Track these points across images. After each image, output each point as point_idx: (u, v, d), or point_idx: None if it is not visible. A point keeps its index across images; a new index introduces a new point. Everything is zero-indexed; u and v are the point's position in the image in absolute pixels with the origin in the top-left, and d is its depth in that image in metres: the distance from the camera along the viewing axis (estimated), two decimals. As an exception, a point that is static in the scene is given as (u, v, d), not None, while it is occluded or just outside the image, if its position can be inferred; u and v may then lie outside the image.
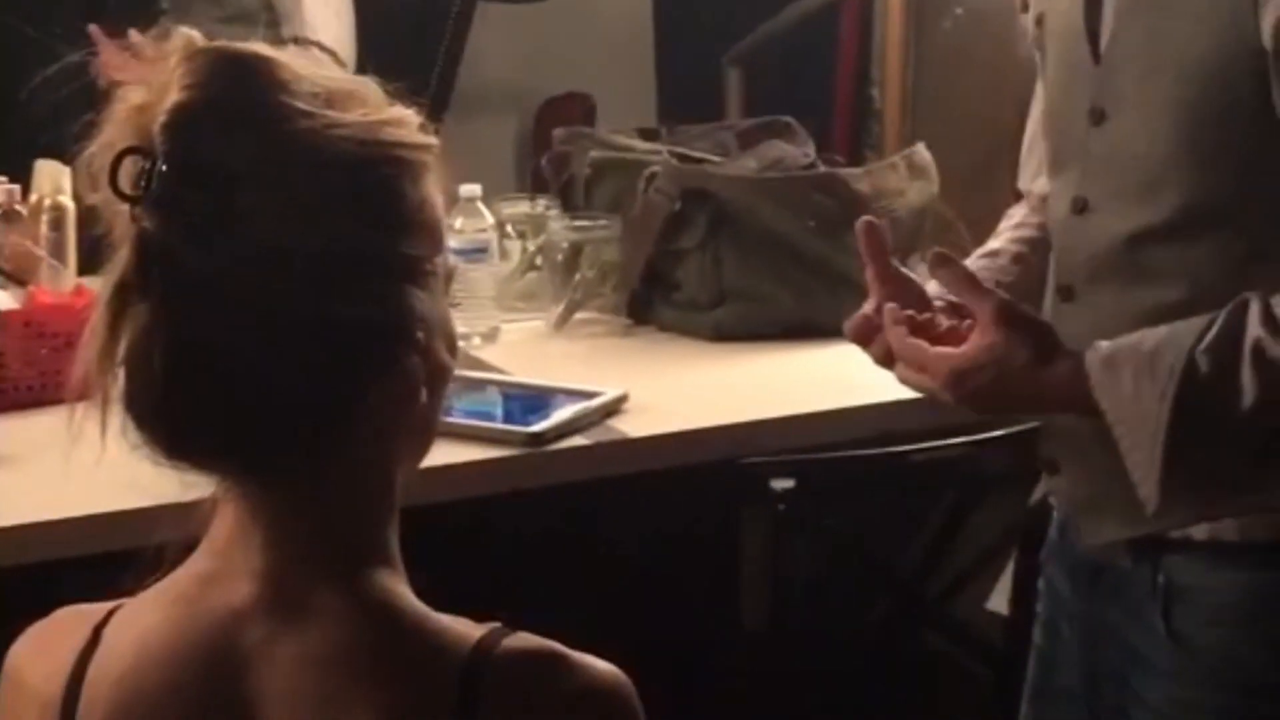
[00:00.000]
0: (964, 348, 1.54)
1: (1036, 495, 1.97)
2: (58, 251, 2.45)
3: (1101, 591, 1.70)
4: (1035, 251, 1.79)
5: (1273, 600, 1.56)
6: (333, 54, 3.46)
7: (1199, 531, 1.58)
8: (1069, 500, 1.72)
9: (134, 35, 3.46)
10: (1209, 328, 1.47)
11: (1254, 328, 1.45)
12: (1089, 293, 1.62)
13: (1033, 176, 1.87)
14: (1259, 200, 1.51)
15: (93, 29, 3.46)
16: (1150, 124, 1.55)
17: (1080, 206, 1.63)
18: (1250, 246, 1.51)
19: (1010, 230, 1.85)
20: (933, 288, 1.64)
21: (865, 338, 1.62)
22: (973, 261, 1.80)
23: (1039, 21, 1.72)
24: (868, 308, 1.62)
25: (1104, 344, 1.52)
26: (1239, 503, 1.56)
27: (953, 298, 1.60)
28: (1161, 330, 1.49)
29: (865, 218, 1.65)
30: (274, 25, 3.51)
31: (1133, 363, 1.48)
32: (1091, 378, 1.50)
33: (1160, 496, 1.49)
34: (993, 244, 1.85)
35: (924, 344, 1.57)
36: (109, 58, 3.43)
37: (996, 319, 1.53)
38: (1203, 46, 1.50)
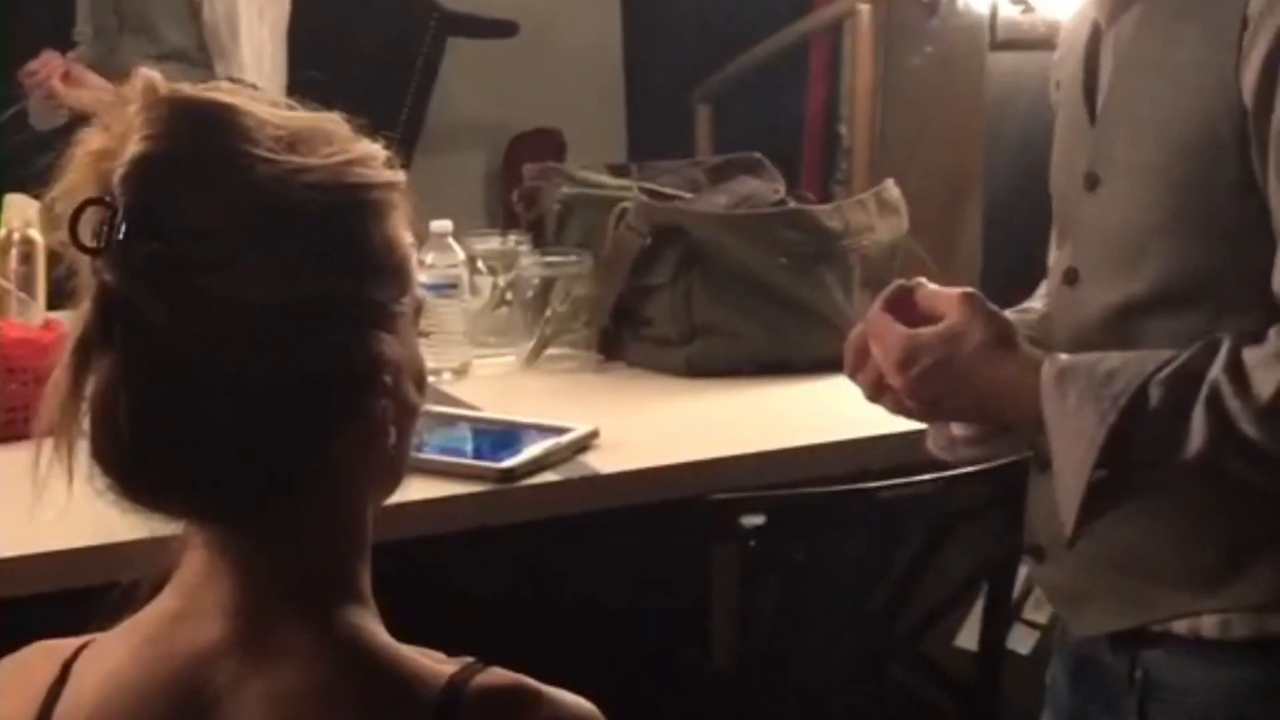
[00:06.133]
0: (922, 329, 1.53)
1: (1020, 583, 1.93)
2: (27, 286, 2.44)
3: (1084, 685, 1.66)
4: None
5: (1249, 700, 1.52)
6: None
7: (1179, 626, 1.53)
8: (1053, 590, 1.68)
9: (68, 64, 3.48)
10: (1171, 360, 1.43)
11: (1216, 369, 1.41)
12: None
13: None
14: (1242, 278, 1.46)
15: (25, 69, 3.47)
16: (1136, 191, 1.52)
17: (1071, 277, 1.60)
18: (1237, 326, 1.45)
19: (1044, 295, 1.78)
20: None
21: (858, 363, 1.60)
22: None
23: (1057, 86, 1.70)
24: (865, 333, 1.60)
25: (1064, 356, 1.50)
26: (1177, 599, 1.53)
27: None
28: (1126, 355, 1.47)
29: (900, 283, 1.61)
30: (208, 64, 3.53)
31: (1084, 380, 1.46)
32: (1042, 383, 1.47)
33: (1078, 526, 1.46)
34: (1028, 303, 1.80)
35: (891, 320, 1.55)
36: (57, 87, 3.44)
37: (962, 304, 1.52)
38: (1188, 111, 1.47)
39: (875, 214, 2.78)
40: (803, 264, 2.66)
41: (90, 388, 1.02)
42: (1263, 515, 1.49)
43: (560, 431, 2.25)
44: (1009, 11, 4.10)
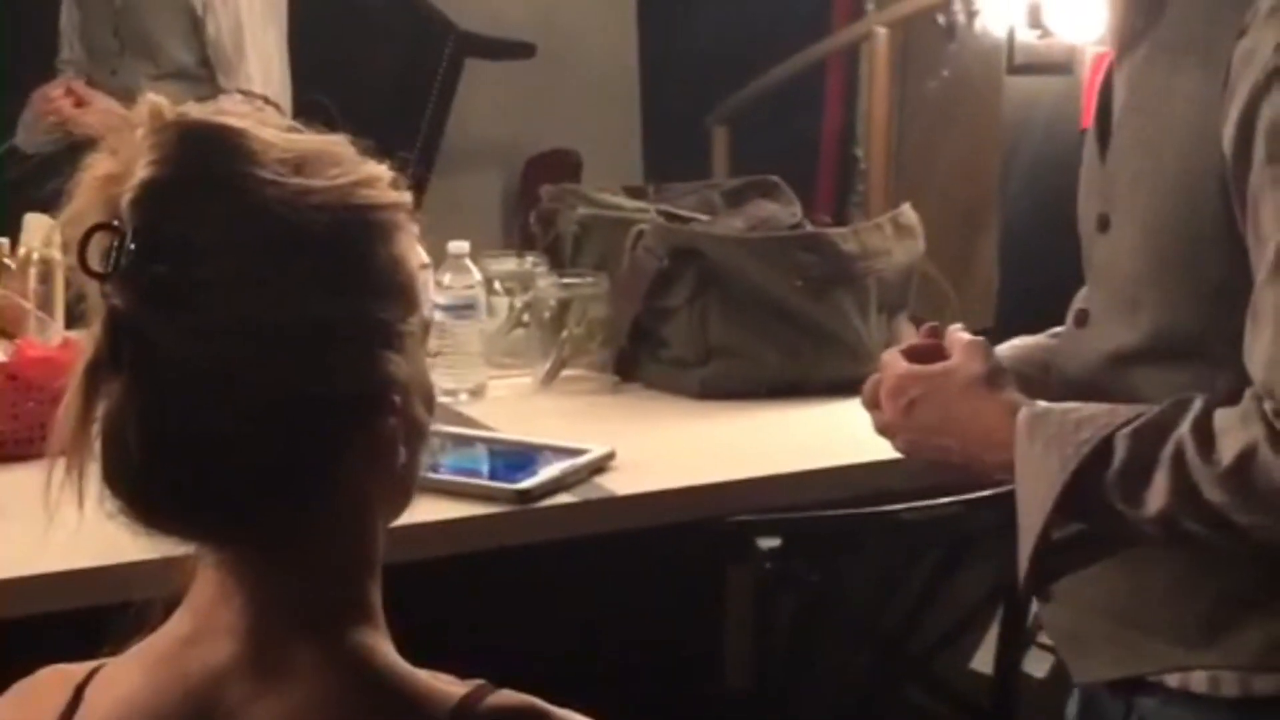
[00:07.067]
0: (923, 366, 1.56)
1: (1031, 620, 1.93)
2: (45, 305, 2.45)
3: None
4: None
5: None
6: (275, 105, 3.48)
7: (1172, 679, 1.54)
8: (1056, 631, 1.68)
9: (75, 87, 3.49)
10: (1142, 414, 1.42)
11: (1184, 427, 1.39)
12: None
13: None
14: (1232, 335, 1.42)
15: (40, 93, 3.48)
16: (1134, 238, 1.51)
17: (1081, 319, 1.60)
18: (1227, 384, 1.42)
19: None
20: None
21: (873, 401, 1.64)
22: (1041, 338, 1.77)
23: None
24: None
25: (1042, 403, 1.51)
26: (1158, 649, 1.53)
27: None
28: (1099, 405, 1.47)
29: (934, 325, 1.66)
30: (210, 80, 3.53)
31: (1055, 426, 1.46)
32: (1017, 427, 1.48)
33: (1032, 568, 1.46)
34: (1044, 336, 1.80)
35: (899, 354, 1.59)
36: (65, 110, 3.45)
37: (963, 344, 1.55)
38: (1178, 157, 1.45)
39: (891, 237, 2.78)
40: (819, 287, 2.66)
41: (100, 410, 1.02)
42: (1249, 573, 1.48)
43: (577, 453, 2.25)
44: (1026, 36, 4.10)
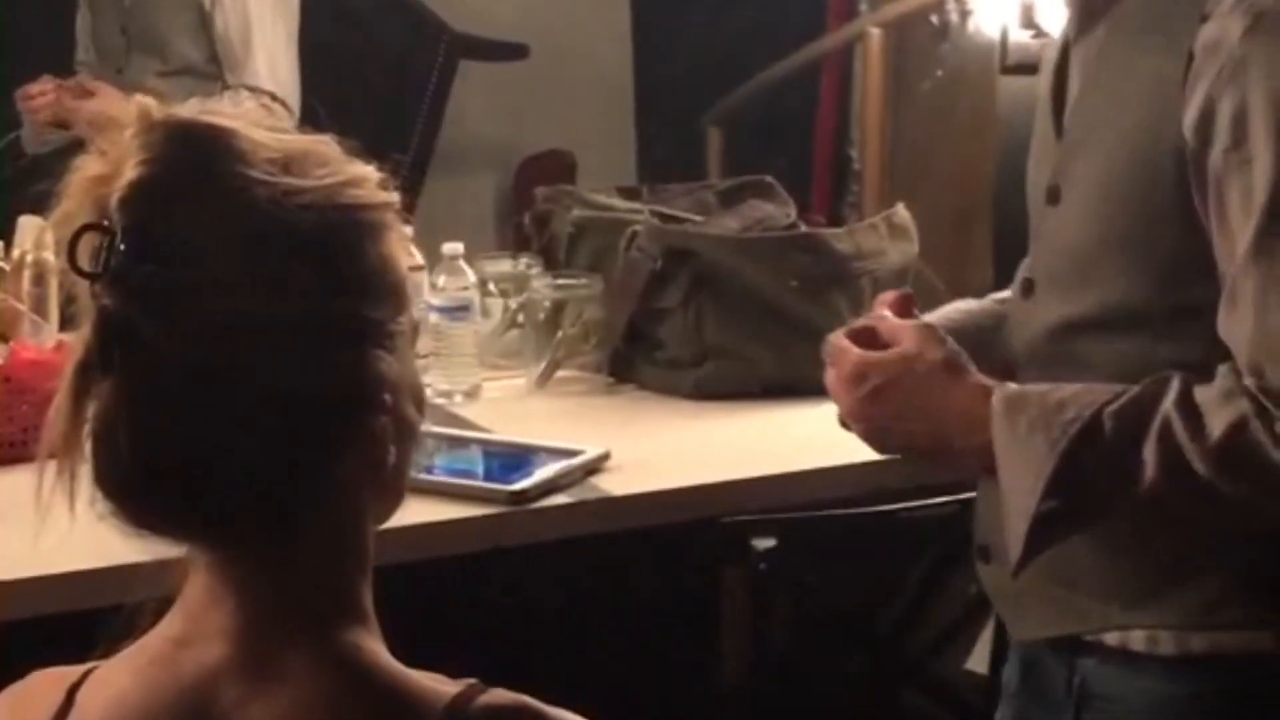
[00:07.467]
0: (879, 351, 1.56)
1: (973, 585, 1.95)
2: (39, 307, 2.45)
3: (1030, 688, 1.70)
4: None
5: (1175, 714, 1.55)
6: (282, 102, 3.47)
7: (1111, 638, 1.57)
8: (995, 591, 1.71)
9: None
10: (1122, 393, 1.45)
11: (1168, 404, 1.42)
12: (1026, 377, 1.60)
13: None
14: (1178, 309, 1.49)
15: (22, 93, 3.48)
16: (1086, 208, 1.55)
17: (1028, 288, 1.63)
18: (1171, 356, 1.48)
19: (997, 297, 1.82)
20: None
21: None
22: (950, 311, 1.79)
23: (1040, 94, 1.72)
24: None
25: (1014, 385, 1.52)
26: (1105, 611, 1.56)
27: None
28: (1076, 385, 1.48)
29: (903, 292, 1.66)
30: (218, 77, 3.52)
31: (1036, 408, 1.47)
32: (993, 411, 1.50)
33: (1025, 556, 1.48)
34: (981, 301, 1.83)
35: (849, 343, 1.59)
36: (46, 104, 3.45)
37: (916, 330, 1.56)
38: (1135, 134, 1.49)
39: (886, 238, 2.78)
40: (813, 288, 2.65)
41: (91, 411, 1.02)
42: (1185, 536, 1.51)
43: (571, 454, 2.25)
44: (1019, 35, 4.10)
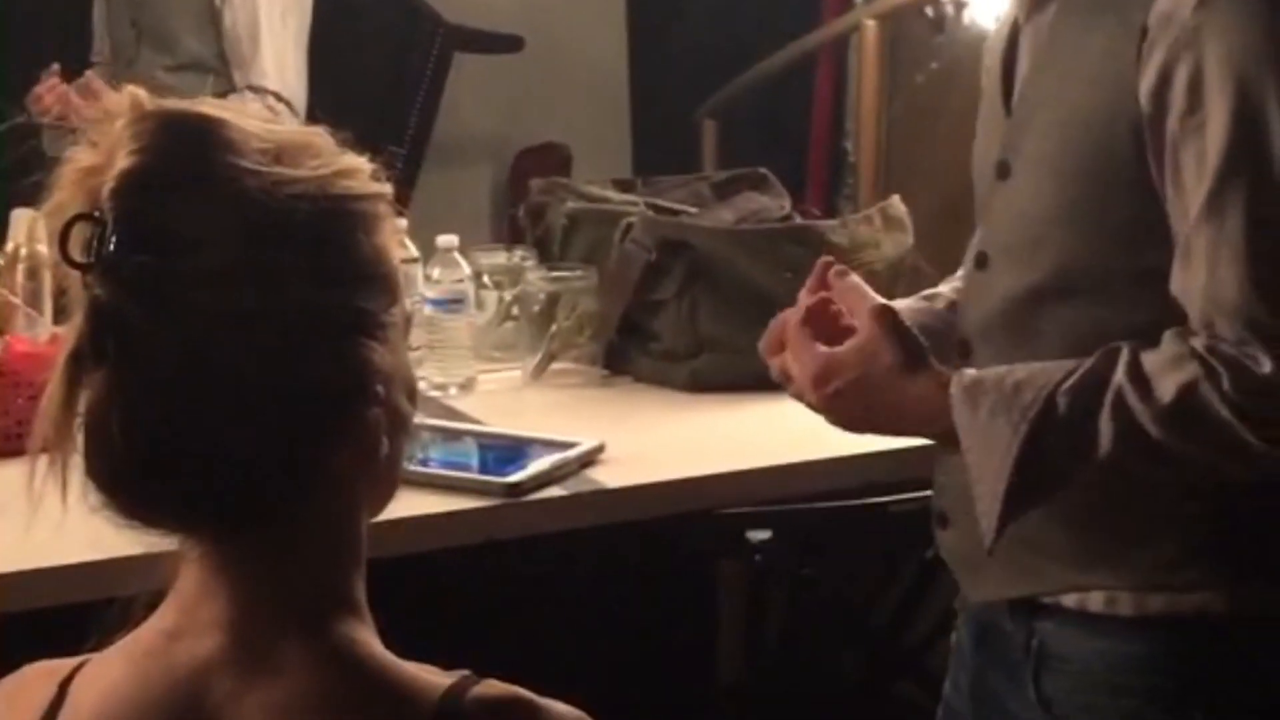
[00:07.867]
0: (836, 348, 1.58)
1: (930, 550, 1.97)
2: (33, 300, 2.45)
3: (986, 651, 1.72)
4: None
5: (1133, 673, 1.57)
6: (287, 102, 3.47)
7: (1069, 599, 1.60)
8: (953, 555, 1.73)
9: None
10: (1075, 370, 1.48)
11: (1119, 375, 1.46)
12: (983, 349, 1.63)
13: None
14: (1134, 274, 1.53)
15: (33, 94, 3.47)
16: (1039, 181, 1.58)
17: (981, 262, 1.66)
18: (1125, 321, 1.52)
19: (955, 280, 1.85)
20: None
21: (773, 349, 1.65)
22: (912, 302, 1.82)
23: (986, 74, 1.75)
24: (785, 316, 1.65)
25: (971, 371, 1.55)
26: (1064, 575, 1.59)
27: None
28: (1031, 366, 1.51)
29: (828, 263, 1.68)
30: (226, 73, 3.51)
31: (995, 393, 1.50)
32: (953, 400, 1.52)
33: (998, 533, 1.51)
34: (937, 288, 1.86)
35: (809, 335, 1.61)
36: (54, 101, 3.44)
37: (872, 323, 1.57)
38: (1089, 108, 1.52)
39: (881, 229, 2.78)
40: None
41: (83, 403, 1.02)
42: (1147, 503, 1.55)
43: (566, 446, 2.25)
44: (1015, 27, 4.09)
